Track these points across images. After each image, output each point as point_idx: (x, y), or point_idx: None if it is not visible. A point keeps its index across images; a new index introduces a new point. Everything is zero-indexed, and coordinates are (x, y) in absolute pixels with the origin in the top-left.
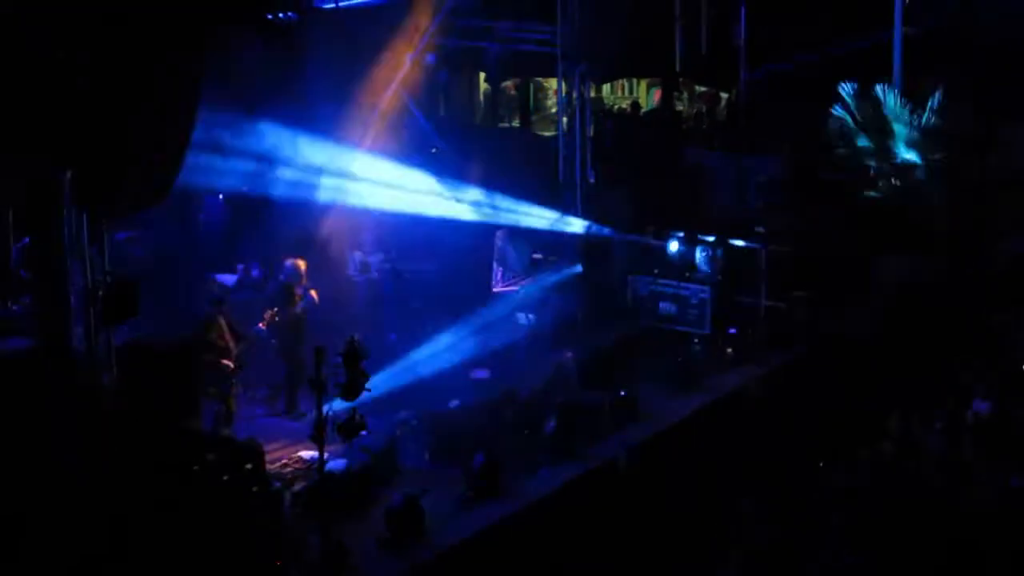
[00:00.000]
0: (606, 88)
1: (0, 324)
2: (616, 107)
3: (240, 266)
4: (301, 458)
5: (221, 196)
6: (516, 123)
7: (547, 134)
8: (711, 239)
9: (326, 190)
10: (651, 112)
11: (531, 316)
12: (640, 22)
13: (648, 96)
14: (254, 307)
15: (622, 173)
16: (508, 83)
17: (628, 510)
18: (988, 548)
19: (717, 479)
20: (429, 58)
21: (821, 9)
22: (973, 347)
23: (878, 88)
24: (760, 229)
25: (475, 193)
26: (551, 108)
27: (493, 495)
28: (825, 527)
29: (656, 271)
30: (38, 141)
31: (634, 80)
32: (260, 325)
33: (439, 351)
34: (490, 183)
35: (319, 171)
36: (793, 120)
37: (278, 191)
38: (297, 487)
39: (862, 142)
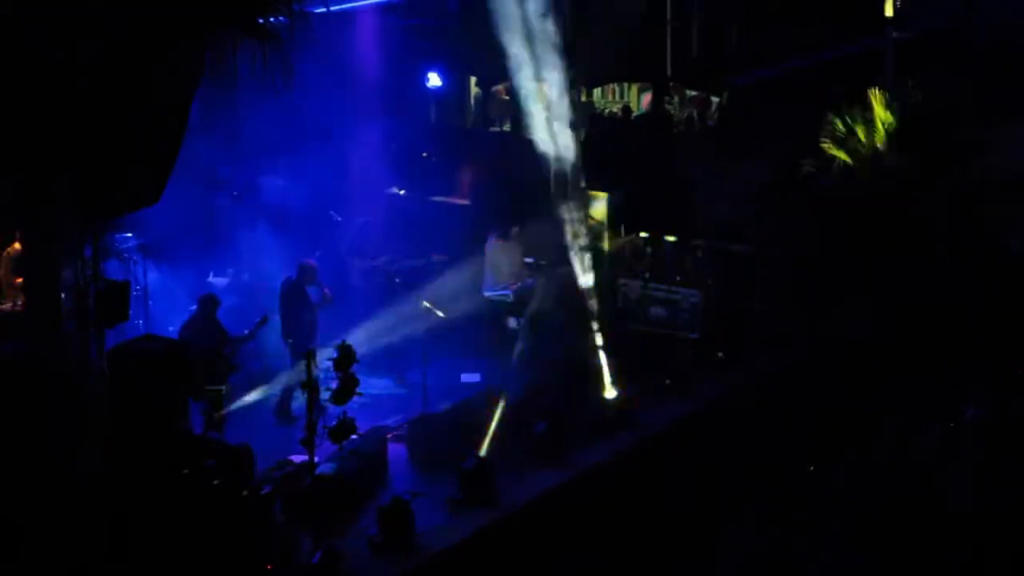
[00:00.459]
0: (597, 92)
1: None
2: (607, 111)
3: (230, 270)
4: (292, 462)
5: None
6: (507, 127)
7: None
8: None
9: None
10: (642, 116)
11: (522, 319)
12: (631, 27)
13: (639, 100)
14: (245, 311)
15: (613, 177)
16: (499, 87)
17: (620, 514)
18: (985, 549)
19: (711, 483)
20: (420, 62)
21: (812, 14)
22: (969, 350)
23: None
24: (751, 232)
25: None
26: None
27: (483, 499)
28: (823, 529)
29: (647, 275)
30: (32, 141)
31: (625, 84)
32: (249, 332)
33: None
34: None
35: (311, 175)
36: (784, 124)
37: (270, 195)
38: (288, 491)
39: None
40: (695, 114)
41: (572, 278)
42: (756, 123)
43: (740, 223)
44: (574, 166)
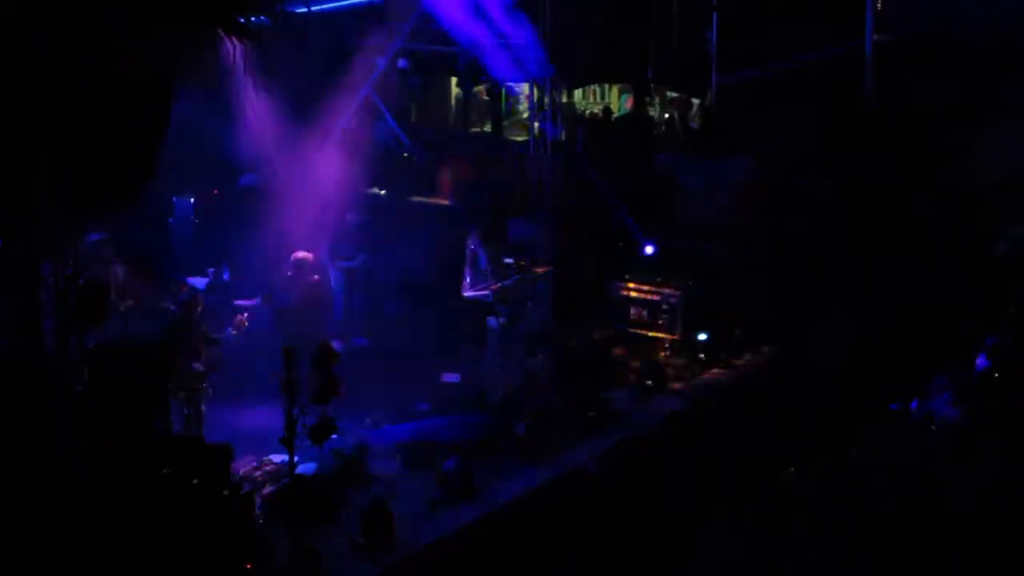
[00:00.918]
0: (578, 93)
1: None
2: (588, 112)
3: (210, 269)
4: (271, 461)
5: (191, 199)
6: (488, 128)
7: (519, 139)
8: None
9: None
10: (623, 118)
11: (502, 319)
12: (612, 27)
13: (620, 101)
14: (225, 310)
15: (594, 178)
16: (480, 88)
17: (600, 514)
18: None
19: (690, 482)
20: (401, 63)
21: (795, 16)
22: (947, 350)
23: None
24: (733, 233)
25: None
26: (523, 113)
27: (464, 498)
28: (798, 528)
29: (627, 275)
30: (10, 140)
31: (606, 86)
32: (231, 331)
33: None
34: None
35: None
36: (767, 125)
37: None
38: (267, 490)
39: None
40: (676, 115)
41: (552, 278)
42: (738, 124)
43: (721, 224)
44: (554, 167)
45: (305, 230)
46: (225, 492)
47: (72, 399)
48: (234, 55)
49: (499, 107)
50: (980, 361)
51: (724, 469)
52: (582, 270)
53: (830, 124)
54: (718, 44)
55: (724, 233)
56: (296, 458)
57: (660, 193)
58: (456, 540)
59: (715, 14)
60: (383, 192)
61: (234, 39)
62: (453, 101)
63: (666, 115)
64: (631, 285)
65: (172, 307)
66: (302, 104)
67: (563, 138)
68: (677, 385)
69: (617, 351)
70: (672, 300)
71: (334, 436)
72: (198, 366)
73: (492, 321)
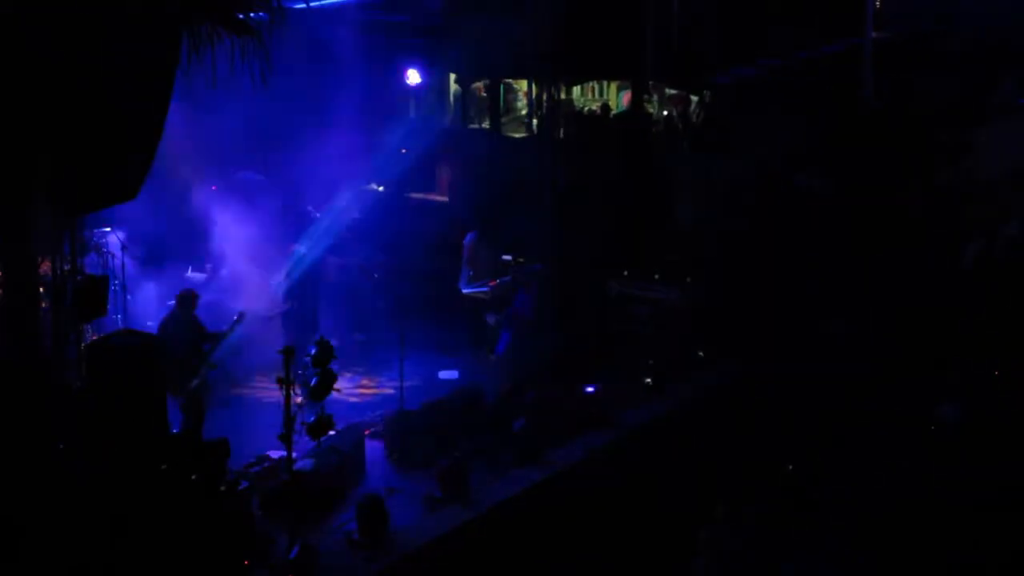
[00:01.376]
0: (576, 90)
1: None
2: (586, 109)
3: (208, 265)
4: (269, 457)
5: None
6: (486, 125)
7: (517, 136)
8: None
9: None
10: (621, 115)
11: (500, 316)
12: (611, 24)
13: (618, 98)
14: (223, 307)
15: (591, 176)
16: (478, 84)
17: (597, 513)
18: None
19: (688, 482)
20: (400, 59)
21: (794, 13)
22: (947, 349)
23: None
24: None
25: None
26: (521, 110)
27: (460, 496)
28: (798, 528)
29: (625, 273)
30: (8, 135)
31: (604, 83)
32: (228, 329)
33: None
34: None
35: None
36: (765, 123)
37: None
38: (265, 487)
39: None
40: (675, 113)
41: (550, 275)
42: (736, 122)
43: (718, 222)
44: (553, 164)
45: (302, 226)
46: (222, 488)
47: (69, 396)
48: (233, 51)
49: (498, 104)
50: (980, 361)
51: (724, 468)
52: (580, 268)
53: (829, 123)
54: (717, 41)
55: (722, 231)
56: (294, 454)
57: (658, 191)
58: (453, 537)
59: (714, 11)
60: (381, 188)
61: (233, 35)
62: (452, 97)
63: (664, 112)
64: (629, 283)
65: (170, 302)
66: (301, 100)
67: (561, 135)
68: (675, 383)
69: (615, 349)
70: (670, 298)
71: (331, 432)
72: (195, 362)
73: (490, 318)
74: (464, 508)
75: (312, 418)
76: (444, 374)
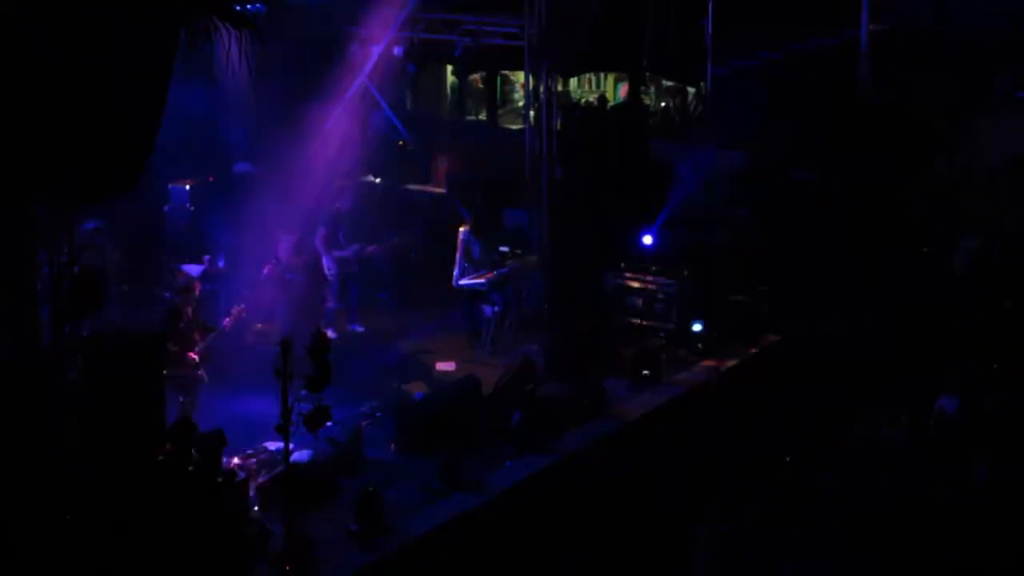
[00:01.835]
0: (573, 82)
1: None
2: (583, 100)
3: (206, 256)
4: (266, 449)
5: (187, 186)
6: (483, 116)
7: (514, 127)
8: None
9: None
10: (618, 106)
11: (496, 308)
12: (607, 15)
13: (615, 90)
14: (220, 298)
15: (589, 166)
16: (475, 76)
17: (596, 505)
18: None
19: (686, 476)
20: (396, 51)
21: (791, 4)
22: (942, 344)
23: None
24: (727, 224)
25: None
26: (518, 102)
27: (459, 487)
28: (798, 526)
29: (623, 264)
30: (9, 134)
31: (601, 74)
32: (226, 321)
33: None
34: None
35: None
36: (762, 116)
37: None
38: (262, 478)
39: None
40: (672, 104)
41: (547, 266)
42: (734, 114)
43: (716, 214)
44: (550, 155)
45: (300, 218)
46: (219, 480)
47: (67, 389)
48: (230, 43)
49: (495, 95)
50: (979, 360)
51: (722, 463)
52: (577, 259)
53: (827, 119)
54: (714, 33)
55: (720, 223)
56: (291, 445)
57: (656, 182)
58: (450, 528)
59: (711, 2)
60: (378, 180)
61: (230, 27)
62: (449, 89)
63: (662, 104)
64: (627, 274)
65: (167, 294)
66: (298, 92)
67: (558, 127)
68: (672, 375)
69: (612, 341)
70: (668, 290)
71: (329, 423)
72: (193, 355)
73: (487, 310)
74: (463, 498)
75: (309, 409)
76: (441, 365)
